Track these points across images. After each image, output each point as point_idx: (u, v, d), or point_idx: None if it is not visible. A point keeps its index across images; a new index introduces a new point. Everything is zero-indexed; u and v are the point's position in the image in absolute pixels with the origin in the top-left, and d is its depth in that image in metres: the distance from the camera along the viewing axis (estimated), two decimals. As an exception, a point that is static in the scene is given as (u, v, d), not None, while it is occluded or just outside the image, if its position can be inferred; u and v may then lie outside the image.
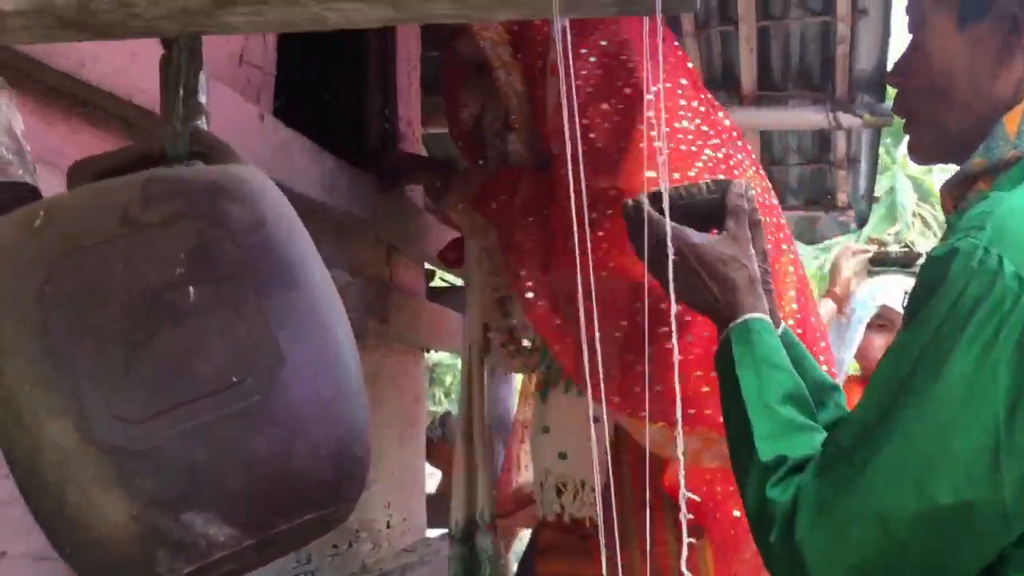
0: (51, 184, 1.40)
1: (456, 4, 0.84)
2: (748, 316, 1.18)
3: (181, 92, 0.89)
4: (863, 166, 3.72)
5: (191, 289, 0.70)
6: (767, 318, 1.19)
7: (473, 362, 2.07)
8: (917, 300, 0.95)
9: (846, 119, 3.36)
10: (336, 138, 2.80)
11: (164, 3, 0.86)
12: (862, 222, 3.88)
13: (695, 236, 1.22)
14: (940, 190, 1.16)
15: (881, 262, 3.38)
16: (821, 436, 1.07)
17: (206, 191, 0.76)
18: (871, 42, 3.26)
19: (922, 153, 1.19)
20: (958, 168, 1.13)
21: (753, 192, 1.29)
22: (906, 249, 3.47)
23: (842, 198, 3.78)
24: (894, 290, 3.26)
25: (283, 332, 0.72)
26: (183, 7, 0.86)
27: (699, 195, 1.26)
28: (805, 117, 3.41)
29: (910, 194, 17.96)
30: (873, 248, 3.44)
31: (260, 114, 2.00)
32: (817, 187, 3.90)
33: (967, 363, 0.88)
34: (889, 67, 3.16)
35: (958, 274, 0.90)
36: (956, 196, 1.12)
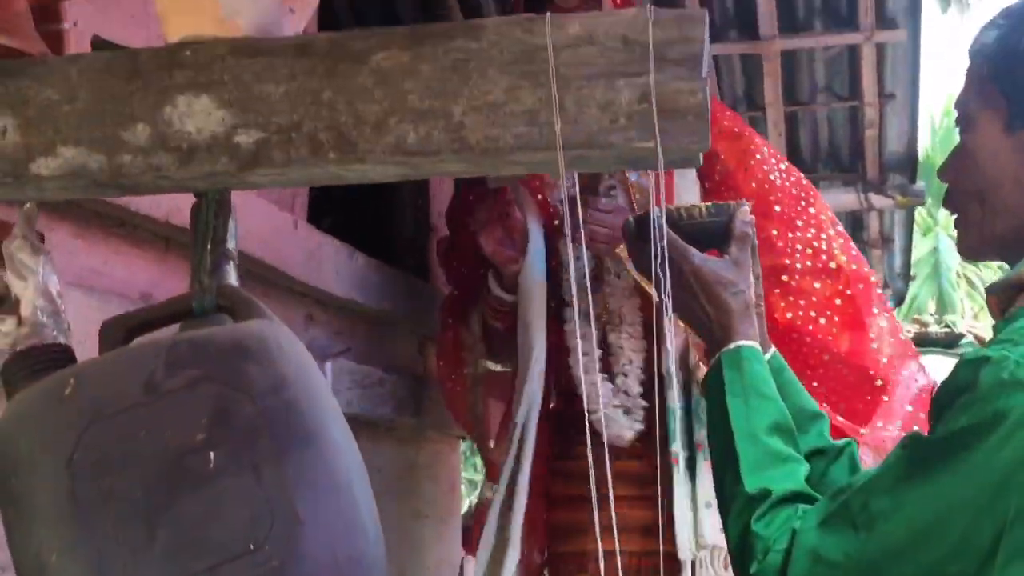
0: (88, 307, 1.46)
1: (466, 164, 0.88)
2: (740, 343, 1.20)
3: (209, 246, 0.93)
4: (897, 244, 3.70)
5: (211, 454, 0.73)
6: (757, 345, 1.22)
7: (530, 419, 1.95)
8: (945, 398, 0.98)
9: (878, 200, 3.36)
10: (369, 229, 2.87)
11: (191, 167, 0.90)
12: (900, 300, 3.86)
13: (696, 256, 1.25)
14: (986, 291, 1.18)
15: (922, 342, 3.36)
16: (804, 468, 1.12)
17: (227, 353, 0.79)
18: (900, 125, 3.28)
19: (970, 251, 1.21)
20: (1007, 271, 1.14)
21: (753, 218, 1.33)
22: (947, 330, 3.45)
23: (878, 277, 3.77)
24: (935, 372, 3.23)
25: (301, 494, 0.75)
26: (209, 171, 0.90)
27: (699, 218, 1.28)
28: (837, 198, 3.42)
29: (953, 254, 17.73)
30: (914, 328, 3.42)
31: (294, 221, 2.06)
32: (852, 265, 3.89)
33: (987, 465, 0.91)
34: (919, 148, 3.17)
35: (987, 383, 0.93)
36: (1003, 300, 1.13)
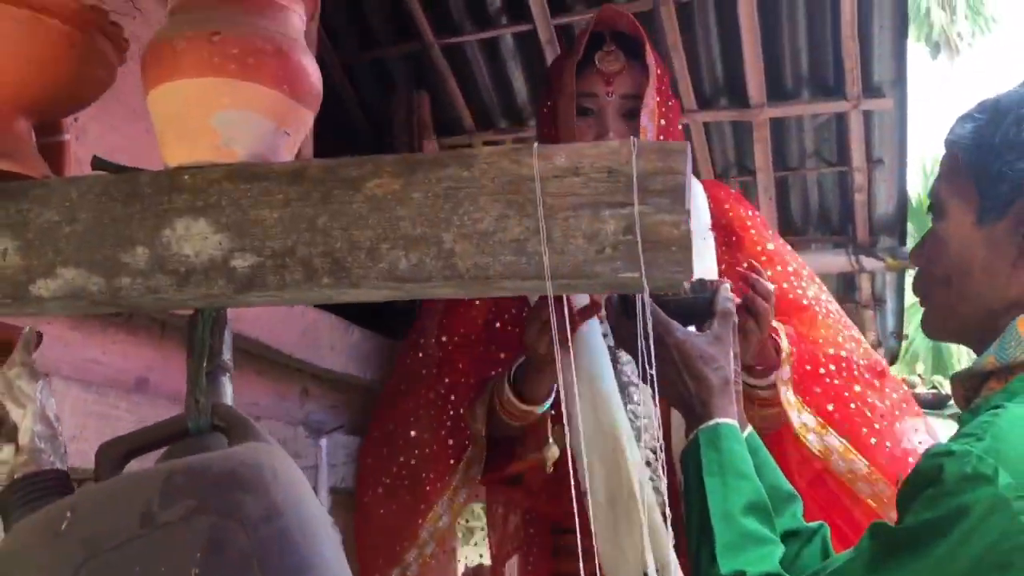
0: (84, 400, 1.47)
1: (456, 288, 0.90)
2: (719, 420, 1.22)
3: (204, 364, 0.95)
4: (889, 306, 3.73)
5: (205, 588, 0.74)
6: (735, 423, 1.24)
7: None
8: (911, 490, 1.00)
9: (868, 262, 3.39)
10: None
11: (188, 290, 0.92)
12: (892, 359, 3.87)
13: (679, 330, 1.27)
14: (951, 380, 1.19)
15: (912, 403, 3.37)
16: (779, 550, 1.13)
17: (222, 482, 0.81)
18: (888, 189, 3.32)
19: (933, 332, 1.23)
20: (973, 360, 1.16)
21: (734, 296, 1.35)
22: (934, 391, 3.47)
23: (871, 337, 3.78)
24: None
25: (292, 625, 0.76)
26: (206, 293, 0.92)
27: (683, 294, 1.30)
28: (827, 261, 3.45)
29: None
30: (903, 388, 3.44)
31: (289, 300, 2.08)
32: (844, 325, 3.91)
33: (952, 559, 0.93)
34: (912, 195, 3.20)
35: (951, 476, 0.95)
36: (968, 389, 1.15)
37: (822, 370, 1.66)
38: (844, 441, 1.62)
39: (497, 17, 3.11)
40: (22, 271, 0.96)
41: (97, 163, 1.02)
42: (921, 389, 3.42)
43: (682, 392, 1.27)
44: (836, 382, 1.65)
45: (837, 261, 3.44)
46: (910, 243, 3.52)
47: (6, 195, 0.99)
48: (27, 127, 1.02)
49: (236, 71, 0.94)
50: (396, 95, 3.19)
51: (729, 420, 1.24)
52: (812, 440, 1.62)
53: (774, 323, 1.57)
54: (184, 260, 0.93)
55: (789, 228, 3.56)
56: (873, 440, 1.63)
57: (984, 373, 1.11)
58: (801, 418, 1.62)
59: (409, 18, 3.08)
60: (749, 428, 1.33)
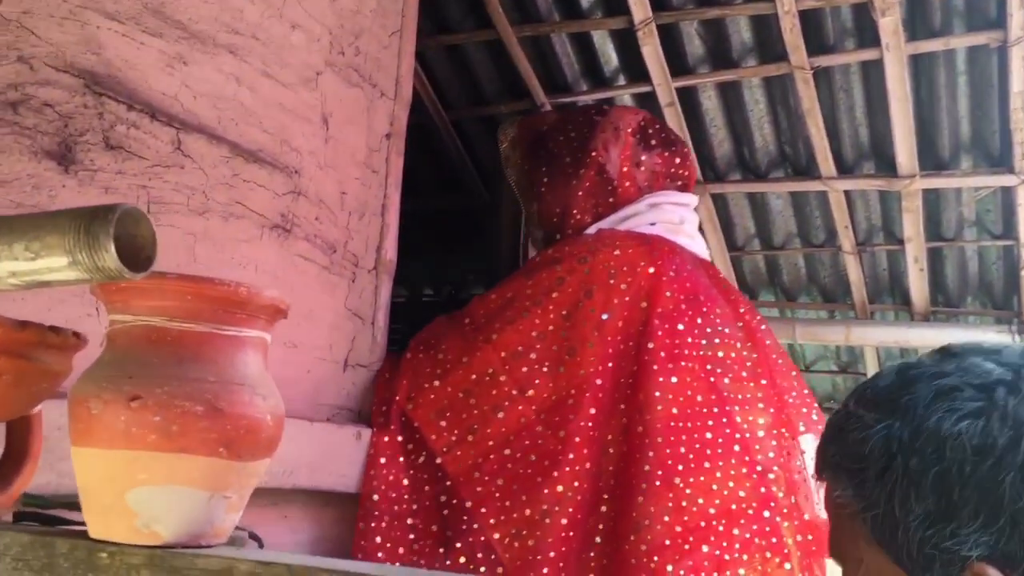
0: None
1: None
2: None
3: None
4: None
5: None
6: None
7: None
8: None
9: (1036, 342, 2.98)
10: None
11: None
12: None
13: None
14: None
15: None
16: None
17: None
18: (1063, 265, 2.89)
19: None
20: None
21: None
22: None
23: None
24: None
25: None
26: None
27: None
28: (986, 339, 3.05)
29: None
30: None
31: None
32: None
33: None
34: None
35: None
36: None
37: None
38: None
39: (614, 77, 2.85)
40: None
41: (26, 500, 0.89)
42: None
43: None
44: None
45: (998, 340, 3.03)
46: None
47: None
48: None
49: (156, 442, 0.78)
50: (507, 153, 2.99)
51: None
52: None
53: None
54: (96, 661, 0.79)
55: (944, 299, 3.17)
56: None
57: None
58: None
59: (519, 77, 2.87)
60: None
